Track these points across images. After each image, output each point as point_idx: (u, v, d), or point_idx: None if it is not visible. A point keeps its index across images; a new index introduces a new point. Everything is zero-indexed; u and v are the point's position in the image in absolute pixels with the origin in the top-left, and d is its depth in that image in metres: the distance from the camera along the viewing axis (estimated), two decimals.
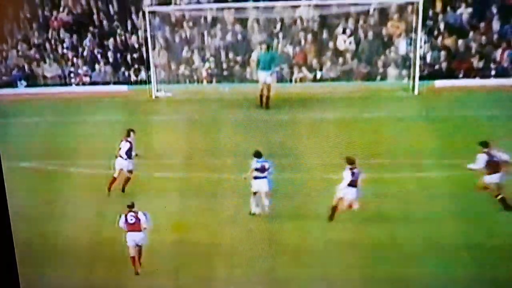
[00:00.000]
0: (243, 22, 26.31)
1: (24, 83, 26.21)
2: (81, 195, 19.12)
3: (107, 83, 26.21)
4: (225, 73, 25.97)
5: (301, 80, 25.86)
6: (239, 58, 26.03)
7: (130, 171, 19.46)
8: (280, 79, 25.62)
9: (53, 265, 16.96)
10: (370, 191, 17.95)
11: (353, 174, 17.24)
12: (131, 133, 19.55)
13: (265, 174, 17.91)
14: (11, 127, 23.29)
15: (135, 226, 16.04)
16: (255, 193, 18.10)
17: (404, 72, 25.49)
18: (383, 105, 23.75)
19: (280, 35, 26.14)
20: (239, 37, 26.29)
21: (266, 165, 18.01)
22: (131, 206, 16.28)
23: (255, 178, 17.87)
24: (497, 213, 17.50)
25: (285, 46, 26.07)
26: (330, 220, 17.54)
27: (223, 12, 26.27)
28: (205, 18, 26.36)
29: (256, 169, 17.93)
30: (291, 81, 25.80)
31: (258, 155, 18.12)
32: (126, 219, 16.17)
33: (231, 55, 26.14)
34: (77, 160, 20.85)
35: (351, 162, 17.47)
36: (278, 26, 26.07)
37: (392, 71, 25.72)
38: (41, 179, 20.16)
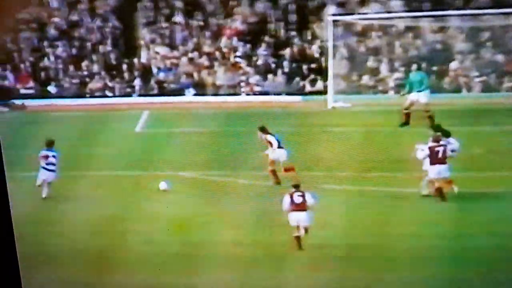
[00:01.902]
0: (442, 30, 23.75)
1: (192, 91, 24.48)
2: (243, 205, 17.77)
3: (279, 93, 24.10)
4: None
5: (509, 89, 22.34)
6: (434, 68, 23.10)
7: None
8: (487, 89, 22.54)
9: None
10: None
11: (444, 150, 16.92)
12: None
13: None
14: (175, 136, 21.75)
15: (300, 206, 15.81)
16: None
17: None
18: None
19: (488, 43, 23.06)
20: (437, 46, 23.55)
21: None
22: (297, 186, 15.99)
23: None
24: None
25: (494, 54, 22.85)
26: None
27: (418, 20, 23.74)
28: (396, 27, 23.96)
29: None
30: (499, 91, 22.37)
31: (445, 134, 17.26)
32: (292, 200, 15.87)
33: (424, 65, 23.01)
34: (241, 171, 19.25)
35: (444, 134, 17.35)
36: (487, 34, 23.02)
37: None
38: (201, 189, 18.69)
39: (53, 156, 18.28)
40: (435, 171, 16.86)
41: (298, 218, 15.79)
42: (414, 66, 21.84)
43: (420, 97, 20.95)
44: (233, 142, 20.79)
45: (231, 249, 16.06)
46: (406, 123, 20.73)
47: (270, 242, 16.09)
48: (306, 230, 15.86)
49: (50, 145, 18.44)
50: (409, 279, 14.58)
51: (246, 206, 17.51)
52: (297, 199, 15.84)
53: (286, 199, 15.95)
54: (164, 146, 20.75)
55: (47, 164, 18.24)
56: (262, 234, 16.36)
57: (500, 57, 22.67)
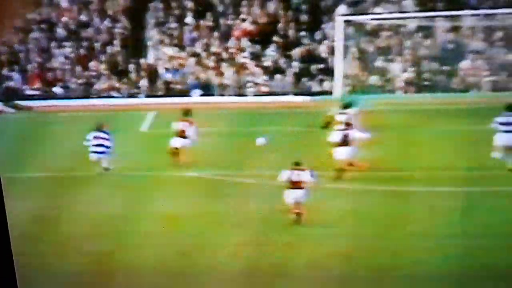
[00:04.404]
0: (454, 30, 23.36)
1: (198, 92, 24.18)
2: (248, 204, 17.40)
3: (287, 93, 23.69)
4: (426, 83, 22.75)
5: None
6: (445, 68, 22.73)
7: None
8: (498, 89, 22.11)
9: None
10: None
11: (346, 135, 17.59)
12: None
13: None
14: None
15: (297, 184, 15.71)
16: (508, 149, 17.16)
17: None
18: None
19: (498, 42, 22.67)
20: (448, 46, 23.18)
21: None
22: (298, 164, 15.84)
23: (502, 132, 17.13)
24: None
25: (506, 54, 22.46)
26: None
27: (431, 20, 23.50)
28: (407, 26, 23.66)
29: (503, 123, 17.12)
30: (506, 90, 21.83)
31: (508, 108, 17.26)
32: (290, 176, 15.82)
33: (435, 64, 22.89)
34: (247, 171, 19.01)
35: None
36: (499, 33, 22.64)
37: None
38: (207, 188, 18.34)
39: (104, 138, 18.66)
40: (339, 153, 17.54)
41: (293, 195, 15.77)
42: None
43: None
44: (239, 142, 20.60)
45: (236, 249, 15.56)
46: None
47: (275, 240, 15.67)
48: (302, 210, 15.75)
49: (100, 127, 18.83)
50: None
51: (251, 205, 17.14)
52: (295, 176, 15.74)
53: (285, 174, 15.89)
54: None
55: (95, 146, 18.63)
56: (267, 233, 16.00)
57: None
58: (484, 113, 19.47)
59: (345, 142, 17.50)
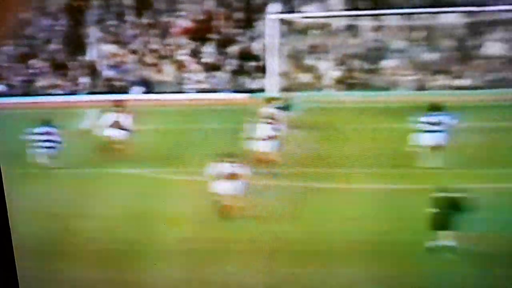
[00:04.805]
0: (378, 29, 24.59)
1: (139, 89, 24.84)
2: (184, 202, 17.52)
3: (224, 90, 24.58)
4: (353, 81, 23.93)
5: (441, 87, 23.11)
6: (371, 66, 24.02)
7: None
8: (420, 87, 23.34)
9: None
10: None
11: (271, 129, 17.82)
12: None
13: (439, 128, 17.59)
14: None
15: (231, 176, 15.83)
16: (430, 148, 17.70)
17: None
18: None
19: (420, 41, 24.04)
20: (373, 44, 24.40)
21: (441, 119, 17.58)
22: (229, 156, 16.02)
23: (427, 131, 17.62)
24: None
25: (424, 52, 23.71)
26: None
27: (356, 19, 24.62)
28: (336, 25, 24.83)
29: (428, 123, 17.65)
30: (428, 88, 23.25)
31: (433, 108, 17.73)
32: (222, 169, 15.87)
33: (362, 63, 24.14)
34: (187, 168, 19.15)
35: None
36: (419, 33, 23.95)
37: None
38: (144, 184, 18.71)
39: (52, 133, 18.98)
40: (261, 146, 18.07)
41: (224, 188, 15.83)
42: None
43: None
44: (179, 139, 21.06)
45: (178, 246, 15.89)
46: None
47: (216, 237, 15.93)
48: (233, 203, 15.84)
49: (47, 122, 19.05)
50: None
51: (189, 201, 17.18)
52: (229, 169, 15.86)
53: (216, 167, 15.92)
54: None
55: (43, 141, 18.89)
56: (202, 228, 16.20)
57: (433, 56, 23.58)
58: (407, 112, 19.99)
59: (269, 136, 17.96)
